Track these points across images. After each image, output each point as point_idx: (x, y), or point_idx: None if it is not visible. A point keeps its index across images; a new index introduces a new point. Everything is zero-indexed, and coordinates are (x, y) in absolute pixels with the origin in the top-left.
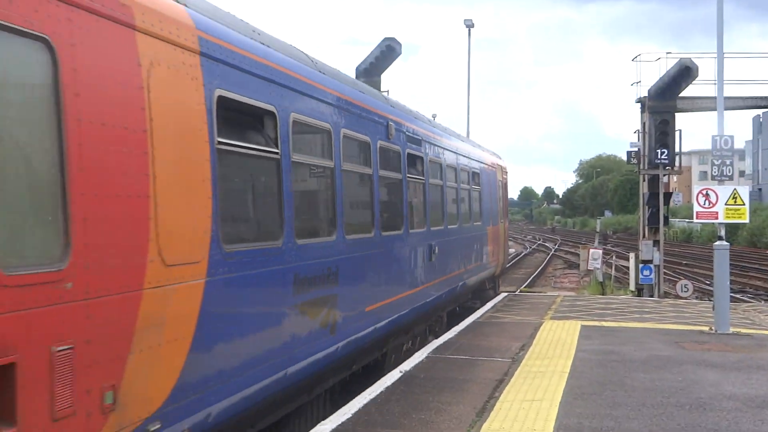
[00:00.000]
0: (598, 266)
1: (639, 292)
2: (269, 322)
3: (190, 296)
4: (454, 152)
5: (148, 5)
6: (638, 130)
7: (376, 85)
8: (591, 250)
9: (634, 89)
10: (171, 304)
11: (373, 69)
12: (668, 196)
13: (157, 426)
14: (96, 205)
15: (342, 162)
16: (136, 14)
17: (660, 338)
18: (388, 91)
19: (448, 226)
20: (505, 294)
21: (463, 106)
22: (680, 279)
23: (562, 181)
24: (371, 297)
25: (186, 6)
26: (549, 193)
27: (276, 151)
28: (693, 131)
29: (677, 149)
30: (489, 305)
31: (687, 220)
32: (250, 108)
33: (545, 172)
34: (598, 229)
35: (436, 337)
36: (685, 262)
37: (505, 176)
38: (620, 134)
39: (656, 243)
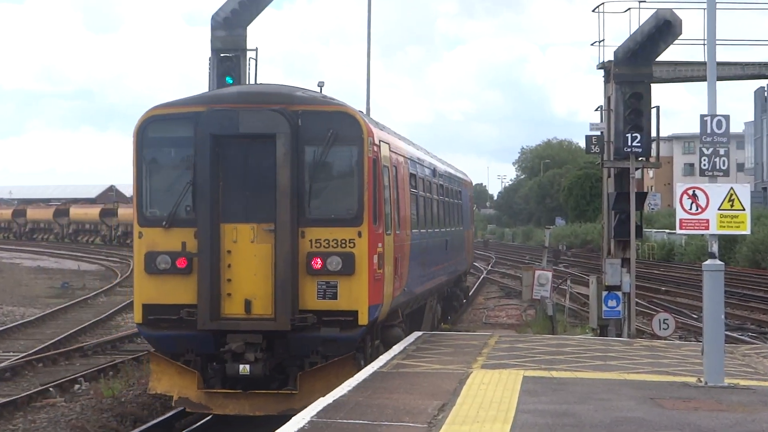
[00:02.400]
0: (547, 295)
1: (602, 330)
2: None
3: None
4: (449, 176)
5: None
6: (601, 107)
7: (241, 40)
8: (537, 273)
9: (594, 51)
10: (405, 247)
11: (235, 19)
12: (642, 197)
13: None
14: (402, 207)
15: (437, 193)
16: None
17: (630, 393)
18: (256, 49)
19: (452, 228)
20: (419, 334)
21: (360, 72)
22: (658, 312)
23: (498, 176)
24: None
25: (404, 143)
26: (479, 192)
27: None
28: (675, 109)
29: (654, 133)
30: (396, 348)
31: (667, 231)
32: (413, 176)
33: (474, 163)
34: (546, 244)
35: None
36: (664, 288)
37: (471, 190)
38: (576, 113)
39: (626, 262)
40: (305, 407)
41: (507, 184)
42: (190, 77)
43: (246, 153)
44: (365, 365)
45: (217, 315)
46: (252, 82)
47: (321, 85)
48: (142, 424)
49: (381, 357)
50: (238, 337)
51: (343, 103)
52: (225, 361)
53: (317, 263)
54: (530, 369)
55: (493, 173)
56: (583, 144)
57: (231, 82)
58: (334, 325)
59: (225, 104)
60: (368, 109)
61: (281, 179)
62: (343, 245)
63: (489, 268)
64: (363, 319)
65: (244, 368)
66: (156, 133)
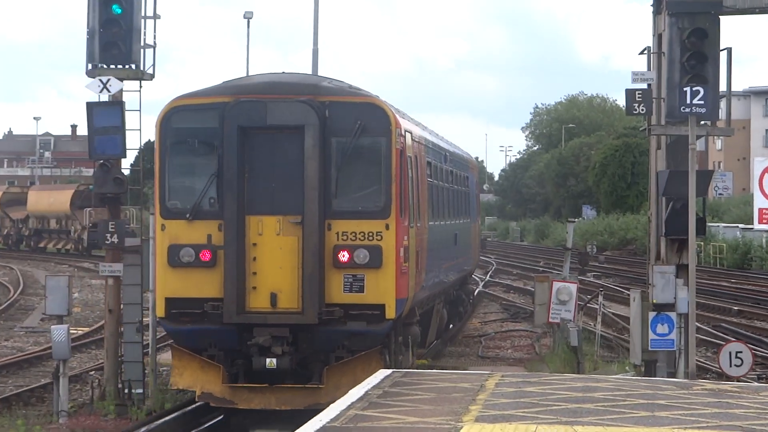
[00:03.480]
0: (570, 317)
1: (648, 366)
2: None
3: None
4: (458, 160)
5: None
6: (648, 50)
7: None
8: (556, 285)
9: None
10: (424, 240)
11: None
12: (706, 177)
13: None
14: (421, 198)
15: (447, 180)
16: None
17: None
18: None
19: (461, 220)
20: (387, 373)
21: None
22: (728, 341)
23: (501, 147)
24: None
25: (420, 128)
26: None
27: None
28: (754, 53)
29: (723, 87)
30: (355, 393)
31: (741, 226)
32: (429, 163)
33: (467, 128)
34: (569, 244)
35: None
36: (737, 307)
37: (477, 174)
38: (611, 58)
39: (682, 271)
40: (331, 402)
41: (513, 159)
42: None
43: (272, 144)
44: (390, 361)
45: (242, 309)
46: (155, 12)
47: (249, 17)
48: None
49: (332, 406)
50: (264, 331)
51: (371, 94)
52: (250, 355)
53: (344, 256)
54: (545, 423)
55: (494, 143)
56: (621, 102)
57: (119, 12)
58: (360, 319)
59: (252, 95)
60: (315, 62)
61: (309, 171)
62: (371, 238)
63: (487, 278)
64: (390, 313)
65: (271, 362)
66: (180, 124)
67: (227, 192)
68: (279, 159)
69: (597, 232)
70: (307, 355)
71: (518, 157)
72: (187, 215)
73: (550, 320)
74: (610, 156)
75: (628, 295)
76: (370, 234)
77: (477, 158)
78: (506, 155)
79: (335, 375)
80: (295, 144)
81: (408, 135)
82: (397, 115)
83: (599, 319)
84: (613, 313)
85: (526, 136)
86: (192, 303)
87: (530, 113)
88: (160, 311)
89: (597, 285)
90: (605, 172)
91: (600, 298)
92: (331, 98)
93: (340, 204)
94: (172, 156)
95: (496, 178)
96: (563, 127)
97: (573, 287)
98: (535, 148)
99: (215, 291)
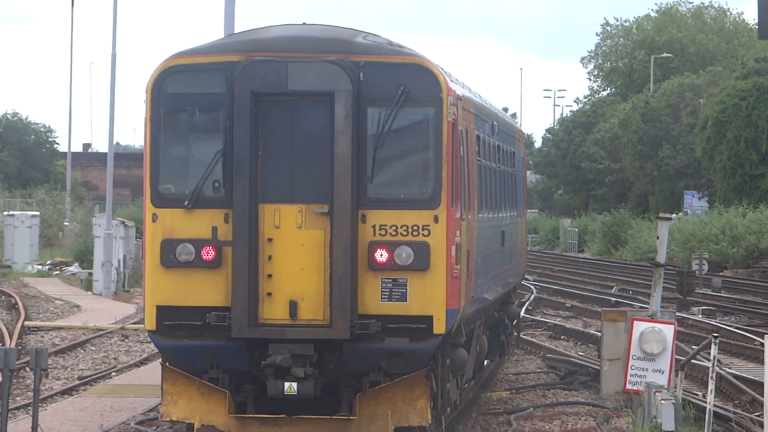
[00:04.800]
0: (664, 382)
1: None
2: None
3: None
4: (505, 131)
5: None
6: None
7: None
8: (640, 327)
9: None
10: (474, 237)
11: None
12: None
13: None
14: (472, 184)
15: (495, 160)
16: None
17: None
18: None
19: (508, 213)
20: None
21: None
22: None
23: (546, 92)
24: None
25: (470, 94)
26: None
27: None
28: None
29: None
30: None
31: None
32: (477, 138)
33: (493, 60)
34: (661, 258)
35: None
36: None
37: (524, 148)
38: None
39: None
40: None
41: (566, 113)
42: None
43: (293, 115)
44: (436, 388)
45: (255, 320)
46: None
47: None
48: None
49: None
50: (283, 348)
51: (417, 53)
52: (264, 379)
53: (382, 255)
54: None
55: (533, 84)
56: (751, 16)
57: None
58: (402, 334)
59: (269, 53)
60: None
61: (340, 149)
62: (415, 233)
63: (522, 313)
64: (439, 327)
65: (291, 387)
66: (177, 89)
67: (237, 174)
68: (301, 134)
69: (709, 237)
70: (334, 378)
71: (575, 109)
72: (186, 203)
73: (628, 387)
74: (733, 108)
75: (761, 344)
76: (415, 228)
77: (506, 110)
78: (554, 106)
79: (370, 404)
80: (322, 115)
81: (460, 103)
82: (448, 79)
83: (712, 385)
84: (735, 375)
85: (588, 74)
86: (190, 313)
87: (597, 34)
88: (150, 323)
89: (709, 327)
90: (723, 134)
91: (713, 350)
92: (367, 57)
93: (378, 190)
94: (166, 129)
95: (537, 143)
96: (652, 58)
97: (668, 331)
98: (604, 93)
99: (220, 298)
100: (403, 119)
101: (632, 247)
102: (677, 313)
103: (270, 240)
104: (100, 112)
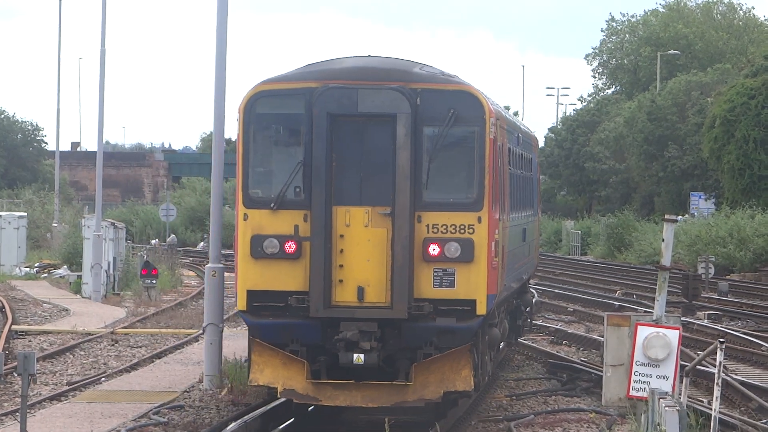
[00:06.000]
0: (668, 387)
1: None
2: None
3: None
4: (524, 139)
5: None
6: None
7: None
8: (644, 332)
9: None
10: (506, 234)
11: None
12: None
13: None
14: (505, 189)
15: (518, 166)
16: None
17: None
18: None
19: (527, 212)
20: None
21: None
22: None
23: (549, 90)
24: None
25: (507, 116)
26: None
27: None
28: None
29: None
30: None
31: None
32: (510, 149)
33: (495, 57)
34: (667, 261)
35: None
36: None
37: (537, 153)
38: None
39: None
40: (418, 401)
41: (570, 111)
42: None
43: (362, 132)
44: (477, 360)
45: (329, 302)
46: None
47: None
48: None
49: None
50: (352, 325)
51: (465, 82)
52: (335, 351)
53: (434, 249)
54: None
55: (536, 82)
56: (759, 12)
57: None
58: (450, 315)
59: (341, 80)
60: None
61: (401, 161)
62: (462, 231)
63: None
64: (481, 309)
65: (359, 357)
66: (265, 110)
67: (315, 181)
68: (368, 148)
69: (716, 239)
70: (394, 351)
71: (579, 107)
72: (272, 204)
73: (632, 393)
74: (741, 106)
75: None
76: (462, 227)
77: (507, 108)
78: (557, 104)
79: (422, 373)
80: (385, 132)
81: (497, 122)
82: (489, 102)
83: (717, 392)
84: (741, 382)
85: (592, 71)
86: (275, 296)
87: (602, 30)
88: (242, 304)
89: (715, 332)
90: (732, 134)
91: (720, 356)
92: (423, 85)
93: (431, 195)
94: (255, 143)
95: (541, 143)
96: (659, 55)
97: (673, 336)
98: (609, 91)
99: (300, 284)
100: (453, 136)
101: (637, 250)
102: (683, 318)
103: (342, 236)
104: (89, 109)
